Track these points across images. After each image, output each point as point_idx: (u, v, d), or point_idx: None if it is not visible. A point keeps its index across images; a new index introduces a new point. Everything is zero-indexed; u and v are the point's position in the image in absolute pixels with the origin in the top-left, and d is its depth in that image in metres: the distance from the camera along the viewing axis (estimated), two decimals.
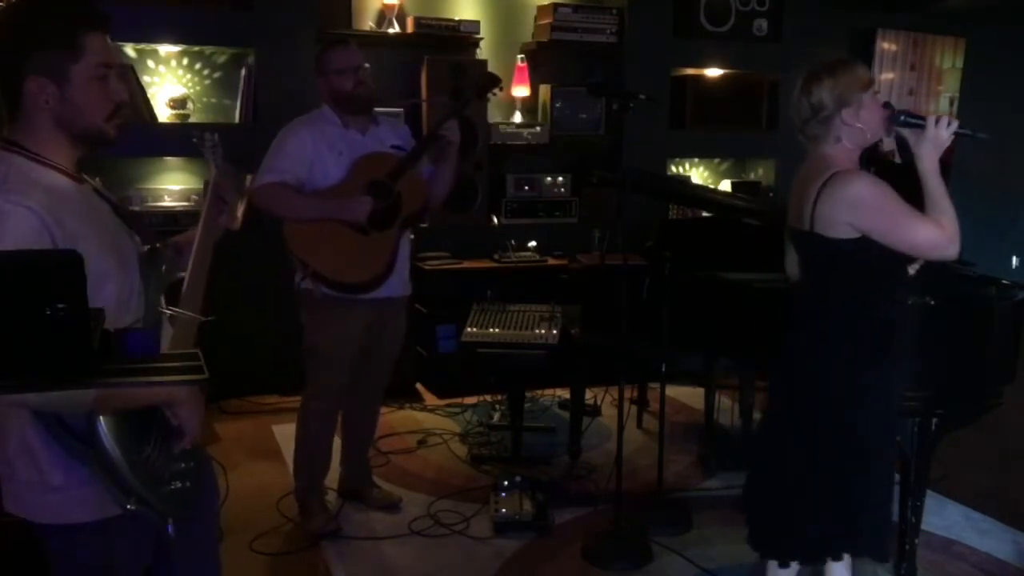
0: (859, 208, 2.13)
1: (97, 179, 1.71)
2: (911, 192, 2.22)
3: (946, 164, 2.33)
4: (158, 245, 1.70)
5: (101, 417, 1.44)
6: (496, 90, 3.47)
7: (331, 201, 3.13)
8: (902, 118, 2.21)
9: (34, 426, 1.54)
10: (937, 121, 2.17)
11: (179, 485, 1.63)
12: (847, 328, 2.23)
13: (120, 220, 1.67)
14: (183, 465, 1.66)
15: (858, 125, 2.19)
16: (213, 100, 4.76)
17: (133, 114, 4.23)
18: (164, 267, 1.72)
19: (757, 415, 4.19)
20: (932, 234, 2.14)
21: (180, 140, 4.50)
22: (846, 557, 2.35)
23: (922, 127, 2.18)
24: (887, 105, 2.26)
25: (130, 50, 4.54)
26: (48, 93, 1.52)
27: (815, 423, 2.26)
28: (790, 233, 2.39)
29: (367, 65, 3.23)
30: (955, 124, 2.17)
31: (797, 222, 2.28)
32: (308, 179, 3.16)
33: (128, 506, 1.53)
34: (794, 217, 2.30)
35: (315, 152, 3.17)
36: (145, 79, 4.55)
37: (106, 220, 1.63)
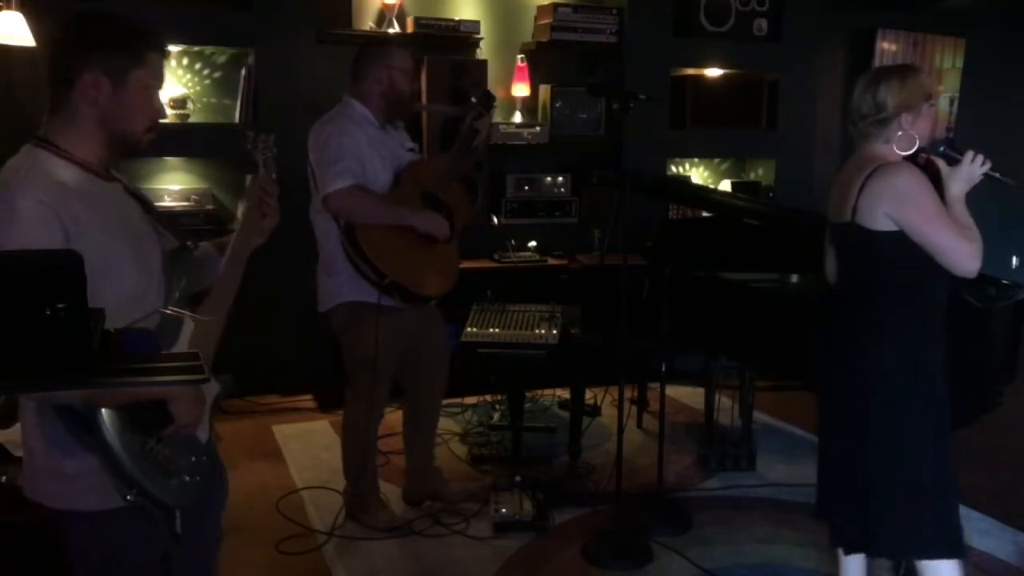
0: (897, 199, 2.19)
1: (126, 178, 1.74)
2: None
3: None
4: (188, 243, 1.72)
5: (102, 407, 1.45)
6: (494, 105, 3.43)
7: (407, 208, 3.09)
8: (941, 149, 2.29)
9: (47, 414, 1.55)
10: (973, 159, 2.26)
11: (189, 479, 1.62)
12: (894, 319, 2.28)
13: (149, 218, 1.71)
14: (194, 459, 1.66)
15: (911, 132, 2.26)
16: (213, 100, 4.76)
17: None
18: (192, 267, 1.72)
19: (757, 415, 4.20)
20: (957, 242, 2.20)
21: (180, 140, 4.52)
22: None
23: (958, 161, 2.27)
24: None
25: None
26: (101, 90, 1.57)
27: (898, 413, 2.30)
28: (829, 230, 2.44)
29: None
30: (988, 165, 2.26)
31: (838, 216, 2.34)
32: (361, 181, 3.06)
33: (128, 496, 1.53)
34: (835, 213, 2.37)
35: (368, 154, 3.09)
36: None
37: (127, 214, 1.66)
